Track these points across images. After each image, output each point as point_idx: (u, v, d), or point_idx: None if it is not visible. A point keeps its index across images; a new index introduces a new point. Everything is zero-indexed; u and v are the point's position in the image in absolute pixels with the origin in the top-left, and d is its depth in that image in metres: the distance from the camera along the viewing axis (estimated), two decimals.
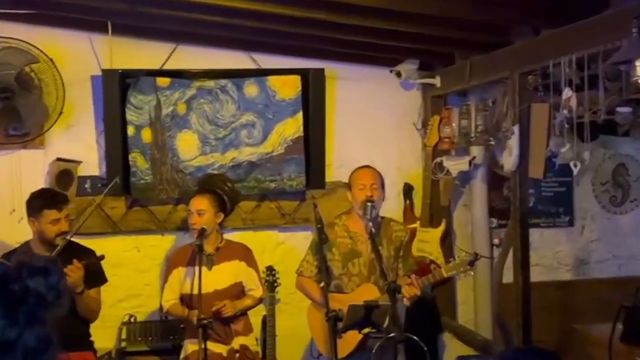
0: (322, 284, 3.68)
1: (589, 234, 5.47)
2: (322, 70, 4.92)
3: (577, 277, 5.41)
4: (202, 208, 4.20)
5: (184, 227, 4.66)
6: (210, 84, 4.78)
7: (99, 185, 4.72)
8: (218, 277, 4.18)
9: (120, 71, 4.63)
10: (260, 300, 4.34)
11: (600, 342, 4.08)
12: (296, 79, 4.87)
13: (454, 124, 4.82)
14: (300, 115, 4.86)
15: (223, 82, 4.79)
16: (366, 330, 3.63)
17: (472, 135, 4.66)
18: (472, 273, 3.97)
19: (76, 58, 4.67)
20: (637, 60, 2.76)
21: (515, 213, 4.13)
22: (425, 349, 3.22)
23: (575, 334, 4.72)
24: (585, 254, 5.46)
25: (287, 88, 4.85)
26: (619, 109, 3.32)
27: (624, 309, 4.07)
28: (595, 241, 5.47)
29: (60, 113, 4.53)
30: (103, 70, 4.63)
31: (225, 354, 4.15)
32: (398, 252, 4.07)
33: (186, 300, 4.18)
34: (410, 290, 3.82)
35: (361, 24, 4.05)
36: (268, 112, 4.84)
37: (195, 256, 4.02)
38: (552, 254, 5.37)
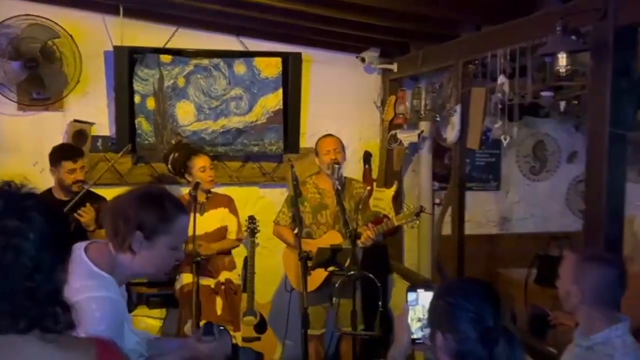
0: (295, 231, 3.71)
1: (512, 196, 5.53)
2: (299, 54, 4.88)
3: (501, 232, 5.48)
4: (212, 164, 4.23)
5: (178, 181, 4.59)
6: (206, 62, 4.72)
7: (109, 143, 4.68)
8: (208, 221, 4.18)
9: (129, 48, 4.55)
10: (237, 242, 4.35)
11: (519, 283, 4.18)
12: (278, 61, 4.82)
13: (407, 103, 4.83)
14: (280, 91, 4.83)
15: (216, 60, 4.74)
16: (331, 268, 3.68)
17: (422, 112, 4.67)
18: (417, 222, 4.03)
19: (92, 35, 4.57)
20: (560, 54, 2.79)
21: (454, 178, 4.18)
22: (379, 284, 3.30)
23: (499, 277, 4.82)
24: (509, 213, 5.53)
25: (270, 68, 4.81)
26: (543, 94, 3.38)
27: (538, 257, 4.19)
28: (517, 203, 5.54)
29: (78, 82, 4.46)
30: (115, 47, 4.55)
31: (213, 286, 4.18)
32: (358, 206, 4.11)
33: None
34: (367, 235, 3.89)
35: (333, 15, 4.02)
36: (253, 87, 4.80)
37: (190, 204, 4.01)
38: (482, 212, 5.42)
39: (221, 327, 2.04)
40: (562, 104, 3.42)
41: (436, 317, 1.71)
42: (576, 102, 3.78)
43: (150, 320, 4.64)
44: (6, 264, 1.17)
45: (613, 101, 2.67)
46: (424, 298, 1.92)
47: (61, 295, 1.24)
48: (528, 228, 5.46)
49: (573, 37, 2.78)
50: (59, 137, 4.53)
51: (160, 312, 4.68)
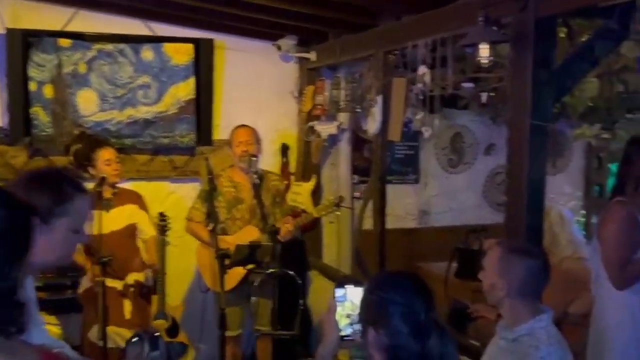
0: (210, 227, 3.63)
1: (430, 189, 5.61)
2: (211, 41, 4.79)
3: (420, 225, 5.55)
4: (118, 157, 4.10)
5: (81, 176, 4.42)
6: (109, 47, 4.54)
7: (2, 135, 4.42)
8: (115, 219, 4.02)
9: (23, 31, 4.31)
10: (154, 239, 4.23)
11: (439, 277, 4.24)
12: (189, 47, 4.70)
13: (325, 93, 4.82)
14: (192, 79, 4.72)
15: (121, 46, 4.57)
16: (250, 266, 3.64)
17: (341, 103, 4.68)
18: (338, 213, 4.04)
19: None
20: (481, 44, 2.86)
21: (375, 171, 4.20)
22: (300, 282, 3.29)
23: (419, 271, 4.82)
24: (427, 206, 5.61)
25: (181, 55, 4.69)
26: (464, 85, 3.47)
27: (457, 250, 4.30)
28: (436, 196, 5.63)
29: None
30: (7, 29, 4.30)
31: (120, 288, 4.04)
32: (275, 199, 4.09)
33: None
34: (287, 228, 3.86)
35: (248, 0, 3.97)
36: (163, 75, 4.66)
37: (94, 201, 3.85)
38: (402, 206, 5.46)
39: (155, 334, 1.99)
40: (484, 96, 3.52)
41: (368, 312, 1.71)
42: (494, 94, 3.90)
43: (50, 327, 4.40)
44: None
45: (534, 93, 2.77)
46: (353, 294, 1.92)
47: (16, 295, 1.21)
48: (446, 221, 5.58)
49: (494, 28, 2.86)
50: None
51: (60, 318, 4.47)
